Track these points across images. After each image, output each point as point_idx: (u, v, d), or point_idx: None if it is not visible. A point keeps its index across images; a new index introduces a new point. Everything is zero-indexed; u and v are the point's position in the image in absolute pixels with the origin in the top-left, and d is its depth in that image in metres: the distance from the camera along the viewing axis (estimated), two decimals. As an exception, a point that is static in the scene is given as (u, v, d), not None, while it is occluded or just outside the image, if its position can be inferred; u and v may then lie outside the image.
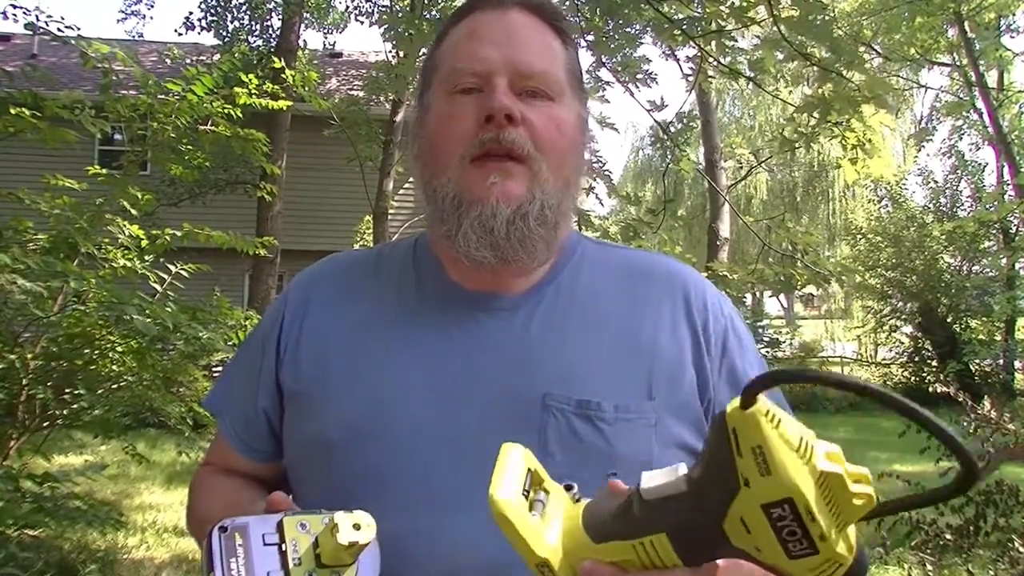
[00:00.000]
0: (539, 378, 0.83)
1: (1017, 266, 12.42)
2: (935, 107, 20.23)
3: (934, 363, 12.48)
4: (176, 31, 20.27)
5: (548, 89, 0.87)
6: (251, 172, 10.33)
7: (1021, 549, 3.04)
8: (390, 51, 10.04)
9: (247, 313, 4.81)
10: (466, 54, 0.88)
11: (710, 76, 4.37)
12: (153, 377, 3.89)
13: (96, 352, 3.77)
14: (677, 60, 4.19)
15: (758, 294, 18.16)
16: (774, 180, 21.57)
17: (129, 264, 3.86)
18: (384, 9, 10.81)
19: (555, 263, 0.92)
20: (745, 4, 3.57)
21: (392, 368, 0.86)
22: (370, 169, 10.43)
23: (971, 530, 3.18)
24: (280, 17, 11.86)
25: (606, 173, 3.96)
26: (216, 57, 10.35)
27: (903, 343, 13.52)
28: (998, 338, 12.24)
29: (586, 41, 3.77)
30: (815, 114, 3.82)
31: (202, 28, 12.50)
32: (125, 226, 3.91)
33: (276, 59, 8.85)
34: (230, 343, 3.91)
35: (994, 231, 12.45)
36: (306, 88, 8.74)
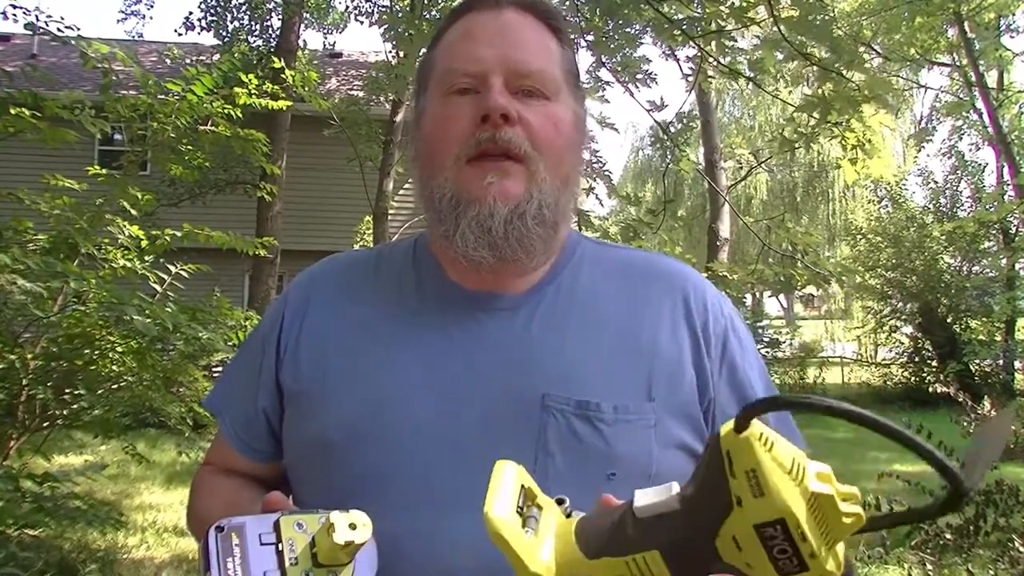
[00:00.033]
0: (539, 378, 0.83)
1: (1017, 266, 12.41)
2: (935, 107, 20.25)
3: (934, 363, 12.48)
4: (176, 31, 20.28)
5: (544, 88, 0.87)
6: (251, 172, 10.33)
7: (1021, 549, 3.04)
8: (390, 51, 10.04)
9: (247, 313, 4.81)
10: (461, 54, 0.88)
11: (710, 76, 4.37)
12: (153, 377, 3.89)
13: (96, 352, 3.77)
14: (677, 60, 4.19)
15: (758, 294, 18.16)
16: (774, 180, 21.57)
17: (129, 264, 3.86)
18: (384, 9, 10.81)
19: (555, 263, 0.92)
20: (745, 4, 3.57)
21: (392, 368, 0.86)
22: (370, 169, 10.43)
23: (971, 530, 3.18)
24: (280, 17, 11.87)
25: (606, 173, 3.96)
26: (216, 57, 10.36)
27: (903, 343, 13.52)
28: (998, 338, 12.23)
29: (586, 41, 3.77)
30: (815, 114, 3.82)
31: (202, 28, 12.52)
32: (125, 226, 3.91)
33: (276, 59, 8.85)
34: (230, 343, 3.91)
35: (994, 231, 12.45)
36: (306, 88, 8.74)
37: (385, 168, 10.18)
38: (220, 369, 4.90)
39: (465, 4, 0.92)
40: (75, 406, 3.85)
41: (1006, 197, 13.07)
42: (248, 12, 12.59)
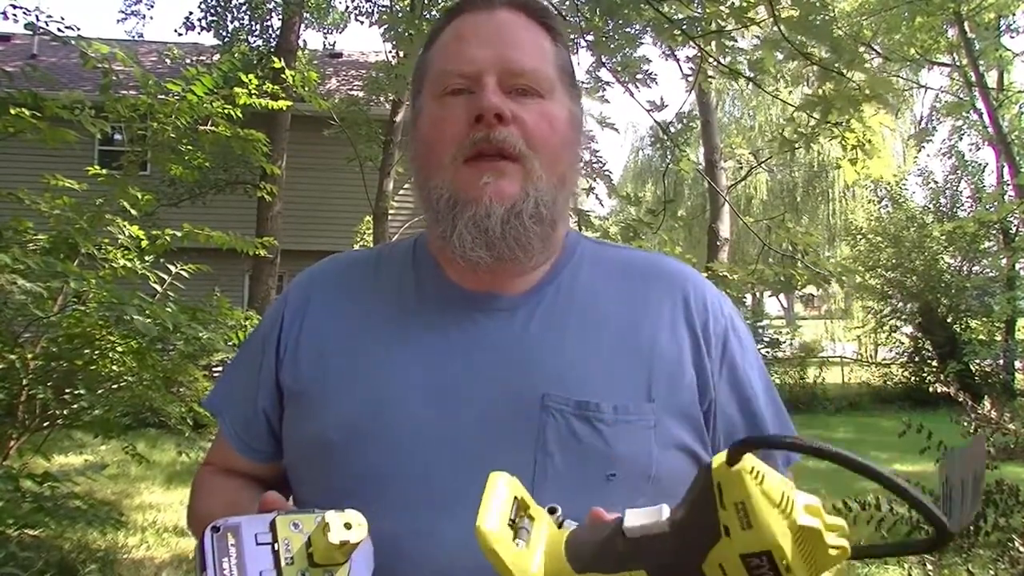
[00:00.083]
0: (538, 378, 0.83)
1: (1017, 266, 12.42)
2: (935, 107, 20.23)
3: (934, 363, 12.48)
4: (176, 31, 20.28)
5: (538, 86, 0.87)
6: (251, 172, 10.33)
7: (1021, 549, 3.04)
8: (390, 51, 10.03)
9: (247, 313, 4.81)
10: (455, 55, 0.88)
11: (710, 76, 4.37)
12: (153, 377, 3.89)
13: (96, 352, 3.77)
14: (677, 60, 4.19)
15: (758, 294, 18.16)
16: (774, 180, 21.57)
17: (129, 264, 3.86)
18: (384, 9, 10.81)
19: (555, 263, 0.92)
20: (745, 4, 3.57)
21: (392, 368, 0.86)
22: (370, 169, 10.43)
23: (971, 530, 3.19)
24: (280, 17, 11.86)
25: (606, 173, 3.96)
26: (216, 57, 10.36)
27: (903, 343, 13.51)
28: (998, 338, 12.24)
29: (586, 41, 3.77)
30: (816, 113, 3.82)
31: (202, 28, 12.51)
32: (125, 226, 3.91)
33: (276, 59, 8.85)
34: (230, 343, 3.91)
35: (994, 231, 12.45)
36: (306, 88, 8.73)
37: (385, 168, 10.17)
38: (220, 369, 4.90)
39: (458, 5, 0.92)
40: (75, 406, 3.85)
41: (1006, 197, 13.07)
42: (248, 12, 12.59)
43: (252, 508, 0.73)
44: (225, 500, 0.90)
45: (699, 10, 3.78)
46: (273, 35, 12.36)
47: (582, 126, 0.94)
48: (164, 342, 3.94)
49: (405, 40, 4.04)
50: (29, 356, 3.65)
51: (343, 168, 10.92)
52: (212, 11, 12.44)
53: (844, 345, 16.51)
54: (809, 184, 21.23)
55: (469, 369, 0.84)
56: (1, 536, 3.26)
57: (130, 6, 15.06)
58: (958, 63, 15.20)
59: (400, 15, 5.57)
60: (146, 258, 4.08)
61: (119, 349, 3.77)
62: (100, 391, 3.90)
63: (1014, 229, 12.47)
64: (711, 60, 3.95)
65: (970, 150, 17.13)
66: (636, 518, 0.58)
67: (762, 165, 16.45)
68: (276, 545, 0.64)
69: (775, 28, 3.57)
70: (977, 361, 11.94)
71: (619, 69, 3.87)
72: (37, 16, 4.08)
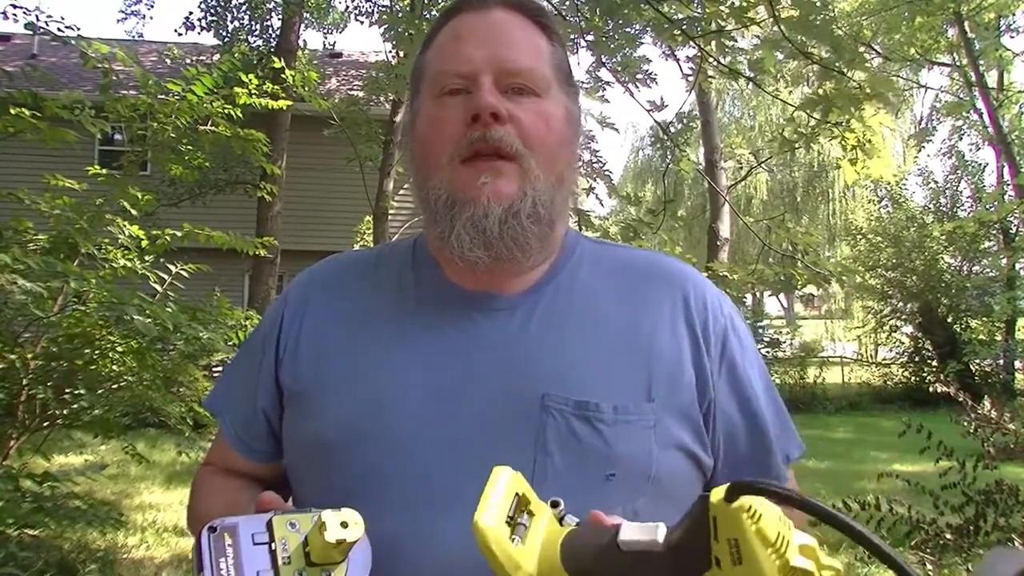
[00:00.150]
0: (538, 378, 0.83)
1: (1017, 266, 12.42)
2: (935, 107, 20.23)
3: (934, 363, 12.48)
4: (176, 31, 20.25)
5: (534, 85, 0.87)
6: (251, 172, 10.34)
7: (1021, 549, 3.04)
8: (390, 51, 10.03)
9: (247, 313, 4.81)
10: (451, 56, 0.88)
11: (710, 76, 4.37)
12: (153, 377, 3.89)
13: (96, 352, 3.77)
14: (677, 60, 4.19)
15: (758, 294, 18.16)
16: (774, 180, 21.57)
17: (129, 264, 3.86)
18: (384, 9, 10.81)
19: (554, 262, 0.92)
20: (745, 4, 3.57)
21: (392, 368, 0.86)
22: (370, 169, 10.43)
23: (971, 530, 3.18)
24: (280, 17, 11.87)
25: (606, 173, 3.96)
26: (216, 57, 10.35)
27: (903, 343, 13.52)
28: (998, 338, 12.24)
29: (586, 41, 3.77)
30: (817, 112, 3.81)
31: (202, 28, 12.51)
32: (125, 226, 3.91)
33: (276, 59, 8.85)
34: (230, 343, 3.91)
35: (994, 231, 12.45)
36: (306, 88, 8.74)
37: (385, 168, 10.17)
38: (220, 369, 4.90)
39: (454, 6, 0.92)
40: (75, 406, 3.85)
41: (1006, 197, 13.07)
42: (248, 12, 12.59)
43: (252, 508, 0.73)
44: (225, 500, 0.90)
45: (699, 10, 3.78)
46: (273, 35, 12.36)
47: (580, 125, 0.94)
48: (164, 342, 3.94)
49: (405, 40, 4.04)
50: (29, 356, 3.65)
51: (343, 168, 10.93)
52: (212, 11, 12.44)
53: (844, 345, 16.53)
54: (809, 184, 21.24)
55: (469, 369, 0.84)
56: (1, 536, 3.26)
57: (130, 6, 15.06)
58: (958, 63, 15.20)
59: (400, 15, 5.57)
60: (146, 258, 4.08)
61: (119, 349, 3.77)
62: (100, 391, 3.90)
63: (1014, 229, 12.48)
64: (711, 60, 3.95)
65: (970, 150, 17.16)
66: (632, 532, 0.58)
67: (762, 165, 16.45)
68: (273, 545, 0.64)
69: (775, 28, 3.57)
70: (977, 361, 11.95)
71: (619, 69, 3.87)
72: (37, 16, 4.08)
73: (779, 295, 25.88)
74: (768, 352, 13.01)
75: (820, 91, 3.80)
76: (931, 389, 12.03)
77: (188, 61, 6.55)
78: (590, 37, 3.78)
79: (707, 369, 0.87)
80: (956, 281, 12.44)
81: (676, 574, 0.56)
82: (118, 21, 33.73)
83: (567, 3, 4.03)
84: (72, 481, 3.56)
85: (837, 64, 3.63)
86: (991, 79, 14.58)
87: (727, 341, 0.90)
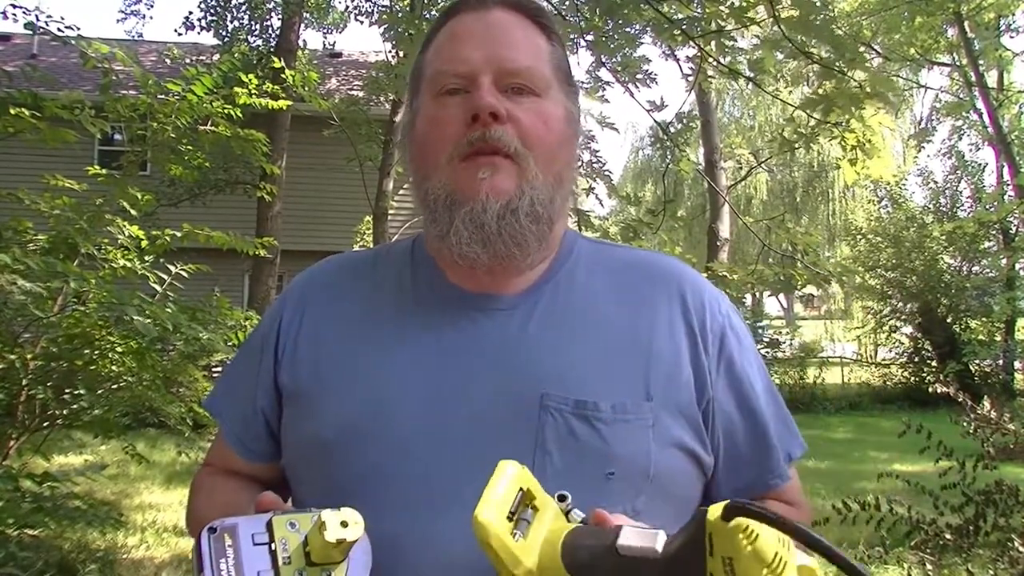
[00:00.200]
0: (537, 378, 0.83)
1: (1017, 266, 12.42)
2: (935, 107, 20.23)
3: (934, 363, 12.49)
4: (176, 31, 20.24)
5: (533, 85, 0.87)
6: (251, 172, 10.34)
7: (1021, 549, 3.04)
8: (390, 51, 10.03)
9: (247, 313, 4.81)
10: (449, 56, 0.88)
11: (710, 76, 4.37)
12: (153, 377, 3.89)
13: (96, 352, 3.77)
14: (677, 60, 4.19)
15: (758, 294, 18.16)
16: (774, 180, 21.58)
17: (129, 264, 3.86)
18: (384, 9, 10.80)
19: (552, 262, 0.92)
20: (745, 4, 3.57)
21: (391, 368, 0.86)
22: (370, 169, 10.43)
23: (971, 530, 3.18)
24: (280, 17, 11.87)
25: (606, 173, 3.95)
26: (216, 57, 10.36)
27: (903, 343, 13.53)
28: (998, 338, 12.25)
29: (586, 41, 3.77)
30: (817, 112, 3.81)
31: (202, 28, 12.50)
32: (125, 226, 3.91)
33: (276, 59, 8.85)
34: (230, 343, 3.91)
35: (994, 231, 12.45)
36: (306, 88, 8.74)
37: (385, 168, 10.17)
38: (220, 369, 4.90)
39: (454, 6, 0.92)
40: (75, 406, 3.85)
41: (1006, 197, 13.07)
42: (248, 12, 12.58)
43: (251, 509, 0.74)
44: (224, 501, 0.90)
45: (699, 10, 3.78)
46: (273, 35, 12.36)
47: (579, 125, 0.94)
48: (164, 342, 3.94)
49: (405, 40, 4.04)
50: (29, 356, 3.65)
51: (343, 168, 10.93)
52: (212, 11, 12.44)
53: (844, 345, 16.52)
54: (809, 184, 21.25)
55: (468, 369, 0.84)
56: (1, 536, 3.26)
57: (130, 6, 15.03)
58: (958, 63, 15.20)
59: (400, 15, 5.57)
60: (146, 258, 4.08)
61: (119, 349, 3.77)
62: (100, 391, 3.90)
63: (1014, 229, 12.47)
64: (711, 60, 3.95)
65: (970, 150, 17.16)
66: (631, 538, 0.58)
67: (762, 165, 16.46)
68: (273, 545, 0.65)
69: (775, 28, 3.57)
70: (977, 361, 11.95)
71: (619, 69, 3.86)
72: (37, 16, 4.07)
73: (779, 295, 25.88)
74: (768, 352, 13.01)
75: (820, 91, 3.80)
76: (931, 389, 12.01)
77: (188, 61, 6.56)
78: (590, 37, 3.78)
79: (705, 368, 0.87)
80: (956, 281, 12.44)
81: None
82: (118, 21, 33.79)
83: (567, 3, 4.03)
84: (72, 481, 3.56)
85: (838, 64, 3.62)
86: (991, 79, 14.58)
87: (725, 340, 0.90)
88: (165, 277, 4.11)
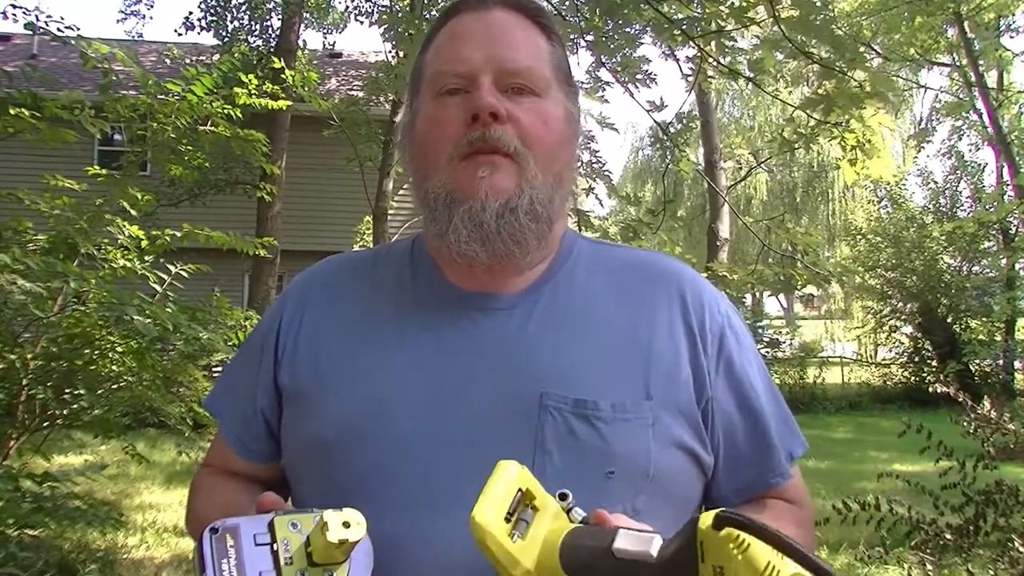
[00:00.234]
0: (537, 377, 0.83)
1: (1017, 266, 12.42)
2: (935, 107, 20.24)
3: (934, 363, 12.49)
4: (176, 31, 20.23)
5: (533, 85, 0.87)
6: (251, 172, 10.34)
7: (1021, 549, 3.04)
8: (390, 51, 10.03)
9: (247, 313, 4.81)
10: (449, 56, 0.88)
11: (710, 76, 4.36)
12: (153, 377, 3.89)
13: (96, 352, 3.77)
14: (677, 60, 4.19)
15: (758, 294, 18.16)
16: (774, 181, 21.58)
17: (129, 264, 3.86)
18: (384, 9, 10.80)
19: (552, 262, 0.92)
20: (745, 4, 3.56)
21: (391, 368, 0.86)
22: (370, 169, 10.43)
23: (971, 530, 3.18)
24: (280, 17, 11.87)
25: (606, 173, 3.95)
26: (216, 57, 10.35)
27: (903, 343, 13.53)
28: (998, 338, 12.25)
29: (586, 41, 3.77)
30: (818, 112, 3.81)
31: (202, 28, 12.50)
32: (125, 226, 3.91)
33: (276, 59, 8.86)
34: (230, 343, 3.91)
35: (994, 231, 12.45)
36: (306, 88, 8.74)
37: (385, 168, 10.18)
38: (220, 369, 4.90)
39: (454, 6, 0.93)
40: (75, 406, 3.85)
41: (1006, 197, 13.07)
42: (248, 12, 12.58)
43: (251, 509, 0.73)
44: (223, 501, 0.90)
45: (699, 10, 3.78)
46: (273, 35, 12.36)
47: (579, 125, 0.94)
48: (164, 342, 3.94)
49: (405, 40, 4.04)
50: (29, 356, 3.65)
51: (343, 168, 10.93)
52: (212, 11, 12.44)
53: (844, 345, 16.53)
54: (809, 184, 21.25)
55: (468, 369, 0.84)
56: (1, 536, 3.26)
57: (130, 6, 15.03)
58: (958, 63, 15.20)
59: (400, 15, 5.57)
60: (146, 258, 4.08)
61: (119, 349, 3.77)
62: (100, 391, 3.90)
63: (1014, 229, 12.47)
64: (711, 60, 3.95)
65: (970, 150, 17.16)
66: (627, 542, 0.59)
67: (762, 165, 16.46)
68: (275, 545, 0.65)
69: (775, 28, 3.57)
70: (977, 361, 11.95)
71: (619, 69, 3.86)
72: (37, 16, 4.07)
73: (779, 295, 25.88)
74: (768, 352, 13.02)
75: (820, 91, 3.80)
76: (931, 389, 12.01)
77: (188, 61, 6.56)
78: (590, 37, 3.78)
79: (704, 368, 0.87)
80: (956, 281, 12.44)
81: None
82: (118, 21, 33.80)
83: (567, 3, 4.03)
84: (72, 481, 3.55)
85: (838, 64, 3.62)
86: (991, 79, 14.58)
87: (724, 339, 0.90)
88: (165, 277, 4.11)
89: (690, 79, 4.12)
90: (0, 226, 3.65)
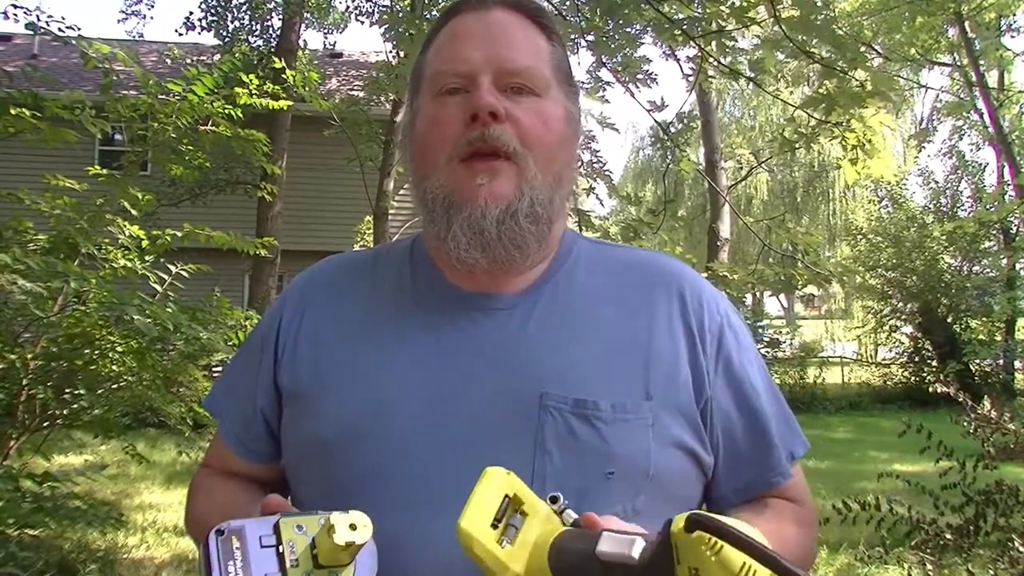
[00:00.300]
0: (537, 377, 0.83)
1: (1017, 266, 12.42)
2: (935, 107, 20.24)
3: (934, 363, 12.49)
4: (176, 31, 20.26)
5: (533, 85, 0.87)
6: (251, 172, 10.34)
7: (1021, 549, 3.04)
8: (390, 51, 10.03)
9: (247, 313, 4.82)
10: (449, 56, 0.88)
11: (710, 76, 4.36)
12: (153, 377, 3.89)
13: (96, 352, 3.77)
14: (677, 60, 4.19)
15: (758, 294, 18.17)
16: (774, 180, 21.58)
17: (129, 264, 3.86)
18: (384, 9, 10.81)
19: (552, 262, 0.92)
20: (745, 4, 3.56)
21: (391, 368, 0.86)
22: (370, 169, 10.43)
23: (971, 530, 3.18)
24: (280, 17, 11.87)
25: (606, 173, 3.95)
26: (216, 57, 10.35)
27: (903, 343, 13.53)
28: (998, 338, 12.25)
29: (586, 41, 3.77)
30: (819, 111, 3.81)
31: (202, 28, 12.51)
32: (125, 226, 3.91)
33: (276, 59, 8.85)
34: (230, 343, 3.91)
35: (994, 231, 12.45)
36: (306, 88, 8.74)
37: (385, 168, 10.17)
38: (220, 369, 4.90)
39: (454, 6, 0.93)
40: (75, 406, 3.85)
41: (1006, 197, 13.07)
42: (248, 12, 12.58)
43: (250, 510, 0.74)
44: (223, 502, 0.90)
45: (699, 10, 3.78)
46: (273, 35, 12.36)
47: (579, 125, 0.94)
48: (164, 342, 3.93)
49: (405, 40, 4.04)
50: (29, 356, 3.65)
51: (343, 168, 10.93)
52: (212, 11, 12.44)
53: (844, 345, 16.53)
54: (809, 184, 21.25)
55: (468, 369, 0.84)
56: (1, 536, 3.26)
57: (130, 6, 15.02)
58: (958, 63, 15.20)
59: (400, 15, 5.57)
60: (146, 258, 4.08)
61: (119, 349, 3.76)
62: (100, 391, 3.90)
63: (1014, 229, 12.47)
64: (711, 60, 3.95)
65: (970, 150, 17.15)
66: (610, 544, 0.59)
67: (762, 165, 16.46)
68: (281, 547, 0.65)
69: (775, 28, 3.57)
70: (977, 361, 11.95)
71: (619, 69, 3.86)
72: (38, 16, 4.07)
73: (779, 295, 25.89)
74: (768, 352, 13.01)
75: (821, 90, 3.80)
76: (931, 389, 12.01)
77: (188, 61, 6.56)
78: (590, 37, 3.78)
79: (703, 367, 0.87)
80: (956, 281, 12.44)
81: None
82: (118, 21, 33.70)
83: (567, 3, 4.03)
84: (72, 481, 3.55)
85: (839, 64, 3.62)
86: (991, 79, 14.58)
87: (723, 339, 0.90)
88: (165, 277, 4.11)
89: (691, 79, 4.12)
90: (0, 226, 3.65)
